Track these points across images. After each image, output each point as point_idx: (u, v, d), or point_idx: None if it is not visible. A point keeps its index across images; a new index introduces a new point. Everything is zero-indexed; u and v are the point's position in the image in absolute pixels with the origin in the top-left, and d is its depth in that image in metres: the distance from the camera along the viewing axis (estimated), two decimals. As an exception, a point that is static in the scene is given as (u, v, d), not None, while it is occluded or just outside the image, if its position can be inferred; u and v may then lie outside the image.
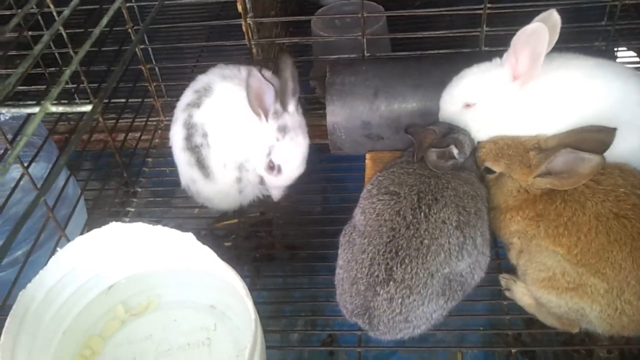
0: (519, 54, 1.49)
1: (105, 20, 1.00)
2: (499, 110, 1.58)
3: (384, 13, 2.35)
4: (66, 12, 1.05)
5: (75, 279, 1.43)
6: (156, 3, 1.28)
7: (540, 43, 1.43)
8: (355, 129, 1.88)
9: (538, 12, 1.52)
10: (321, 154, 1.99)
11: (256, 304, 1.27)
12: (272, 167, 1.73)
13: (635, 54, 2.34)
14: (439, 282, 1.38)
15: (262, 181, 1.84)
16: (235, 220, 2.02)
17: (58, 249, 1.39)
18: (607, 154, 1.38)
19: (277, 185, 1.81)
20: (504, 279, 1.64)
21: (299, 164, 1.75)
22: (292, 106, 1.71)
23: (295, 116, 1.73)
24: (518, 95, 1.55)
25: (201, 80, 1.81)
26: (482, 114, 1.60)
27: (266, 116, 1.67)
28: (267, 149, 1.71)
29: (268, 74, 1.76)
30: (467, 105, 1.62)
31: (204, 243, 1.35)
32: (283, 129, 1.69)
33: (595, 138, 1.42)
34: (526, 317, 1.60)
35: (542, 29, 1.41)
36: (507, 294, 1.62)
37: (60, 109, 0.84)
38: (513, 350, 1.57)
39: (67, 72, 0.88)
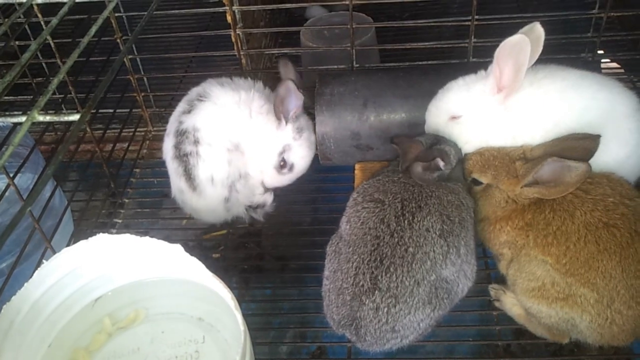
0: (502, 66, 1.50)
1: (94, 29, 0.99)
2: (485, 122, 1.59)
3: (373, 24, 2.36)
4: (54, 20, 1.04)
5: (61, 292, 1.40)
6: (145, 13, 1.27)
7: (522, 55, 1.44)
8: (345, 140, 1.88)
9: (525, 24, 1.54)
10: (311, 164, 1.98)
11: (245, 315, 1.26)
12: (283, 165, 1.82)
13: (619, 66, 2.38)
14: (425, 291, 1.37)
15: (250, 208, 1.87)
16: (224, 232, 2.00)
17: (44, 260, 1.37)
18: (593, 165, 1.39)
19: (281, 182, 1.88)
20: (493, 290, 1.64)
21: (309, 162, 1.88)
22: (301, 109, 1.81)
23: (306, 117, 1.85)
24: (504, 106, 1.56)
25: (194, 90, 1.82)
26: (468, 126, 1.61)
27: (286, 120, 1.77)
28: (282, 147, 1.81)
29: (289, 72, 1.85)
30: (453, 118, 1.63)
31: (192, 255, 1.34)
32: (300, 130, 1.81)
33: (580, 146, 1.44)
34: (516, 327, 1.60)
35: (524, 41, 1.43)
36: (496, 304, 1.62)
37: (48, 118, 0.83)
38: (503, 361, 1.57)
39: (55, 81, 0.87)
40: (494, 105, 1.56)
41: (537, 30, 1.50)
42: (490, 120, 1.58)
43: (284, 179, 1.88)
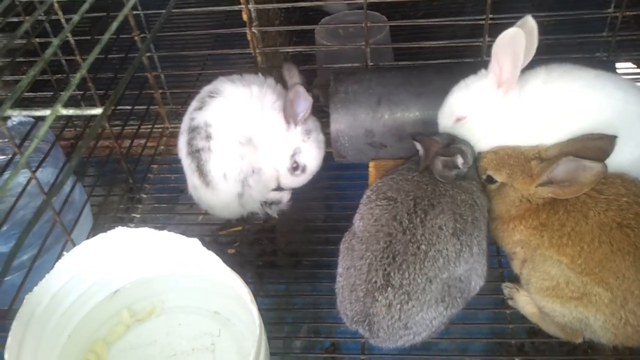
0: (501, 61, 1.51)
1: (114, 26, 1.02)
2: (490, 120, 1.59)
3: (387, 23, 2.37)
4: (75, 17, 1.07)
5: (80, 284, 1.43)
6: (162, 11, 1.29)
7: (518, 47, 1.46)
8: (359, 137, 1.89)
9: (540, 23, 1.54)
10: (325, 162, 2.00)
11: (259, 310, 1.28)
12: (296, 167, 1.86)
13: (635, 66, 2.36)
14: (438, 288, 1.38)
15: (265, 204, 1.89)
16: (240, 228, 2.03)
17: (64, 253, 1.40)
18: (606, 165, 1.39)
19: (297, 183, 1.92)
20: (506, 288, 1.64)
21: (320, 161, 1.91)
22: (309, 112, 1.84)
23: (314, 119, 1.88)
24: (505, 101, 1.57)
25: (206, 89, 1.84)
26: (474, 126, 1.62)
27: (295, 123, 1.81)
28: (292, 150, 1.84)
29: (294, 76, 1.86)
30: (459, 119, 1.64)
31: (208, 250, 1.36)
32: (308, 132, 1.84)
33: (595, 146, 1.44)
34: (529, 326, 1.60)
35: (519, 34, 1.44)
36: (510, 302, 1.63)
37: (71, 111, 0.86)
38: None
39: (78, 76, 0.89)
40: (496, 102, 1.57)
41: (529, 23, 1.51)
42: (495, 117, 1.58)
43: (299, 180, 1.91)
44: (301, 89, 1.74)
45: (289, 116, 1.80)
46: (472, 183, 1.55)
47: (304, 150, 1.85)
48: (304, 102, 1.78)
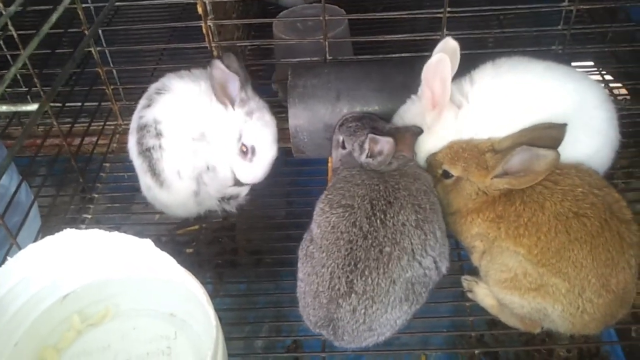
0: (431, 84, 1.56)
1: (54, 17, 0.96)
2: (439, 136, 1.62)
3: (346, 16, 2.34)
4: (12, 8, 1.01)
5: (27, 289, 1.37)
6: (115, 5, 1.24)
7: (446, 70, 1.51)
8: (318, 132, 1.87)
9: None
10: (284, 157, 1.97)
11: (219, 310, 1.25)
12: (245, 151, 1.77)
13: (590, 60, 2.40)
14: (402, 288, 1.38)
15: (223, 200, 1.83)
16: (197, 227, 1.98)
17: (8, 257, 1.34)
18: (564, 158, 1.41)
19: (253, 173, 1.82)
20: (466, 281, 1.65)
21: (271, 141, 1.81)
22: (250, 92, 1.79)
23: (257, 100, 1.81)
24: (468, 108, 1.58)
25: (153, 86, 1.80)
26: (428, 147, 1.64)
27: (232, 104, 1.73)
28: (238, 133, 1.76)
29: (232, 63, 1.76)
30: None
31: (164, 250, 1.32)
32: (250, 113, 1.76)
33: (547, 135, 1.46)
34: (489, 318, 1.62)
35: (444, 58, 1.50)
36: (469, 295, 1.64)
37: (4, 108, 0.81)
38: (476, 352, 1.58)
39: (13, 70, 0.84)
40: (434, 121, 1.61)
41: (451, 44, 1.58)
42: (443, 132, 1.61)
43: (254, 168, 1.81)
44: (221, 65, 1.65)
45: (222, 97, 1.72)
46: (412, 163, 1.57)
47: (247, 130, 1.76)
48: (231, 80, 1.69)
